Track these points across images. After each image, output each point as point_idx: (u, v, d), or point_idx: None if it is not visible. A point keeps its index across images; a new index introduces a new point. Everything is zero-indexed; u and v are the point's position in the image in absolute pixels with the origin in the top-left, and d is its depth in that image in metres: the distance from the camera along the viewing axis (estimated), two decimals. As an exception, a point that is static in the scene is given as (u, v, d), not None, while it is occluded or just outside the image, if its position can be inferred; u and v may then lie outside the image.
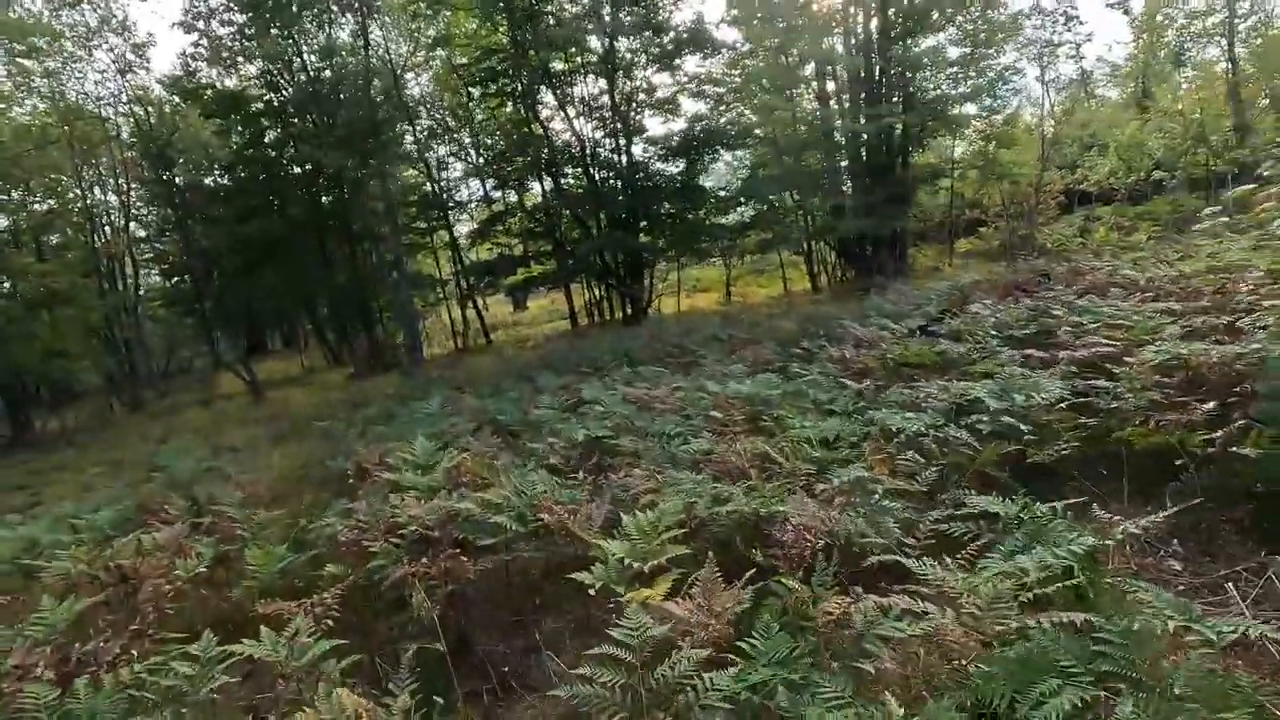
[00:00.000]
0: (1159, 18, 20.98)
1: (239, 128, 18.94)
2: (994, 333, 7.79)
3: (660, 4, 18.86)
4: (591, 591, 4.10)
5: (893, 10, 17.55)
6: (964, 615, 2.13)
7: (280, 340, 37.21)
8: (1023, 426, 4.65)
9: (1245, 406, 4.32)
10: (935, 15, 16.57)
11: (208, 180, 22.22)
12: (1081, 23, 26.58)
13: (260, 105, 18.44)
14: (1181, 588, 3.51)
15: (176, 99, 19.04)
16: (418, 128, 20.72)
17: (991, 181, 17.71)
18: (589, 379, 9.56)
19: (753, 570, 2.83)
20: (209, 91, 18.00)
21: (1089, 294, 9.35)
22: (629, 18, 18.32)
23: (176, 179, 20.62)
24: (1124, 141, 18.65)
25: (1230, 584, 3.23)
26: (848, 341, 9.01)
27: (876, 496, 3.75)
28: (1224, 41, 16.67)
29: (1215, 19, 17.19)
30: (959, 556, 2.92)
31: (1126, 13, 25.76)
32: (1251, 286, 7.57)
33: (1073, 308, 8.33)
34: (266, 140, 18.97)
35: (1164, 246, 13.49)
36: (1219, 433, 4.06)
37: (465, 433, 7.34)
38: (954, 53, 17.10)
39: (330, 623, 3.47)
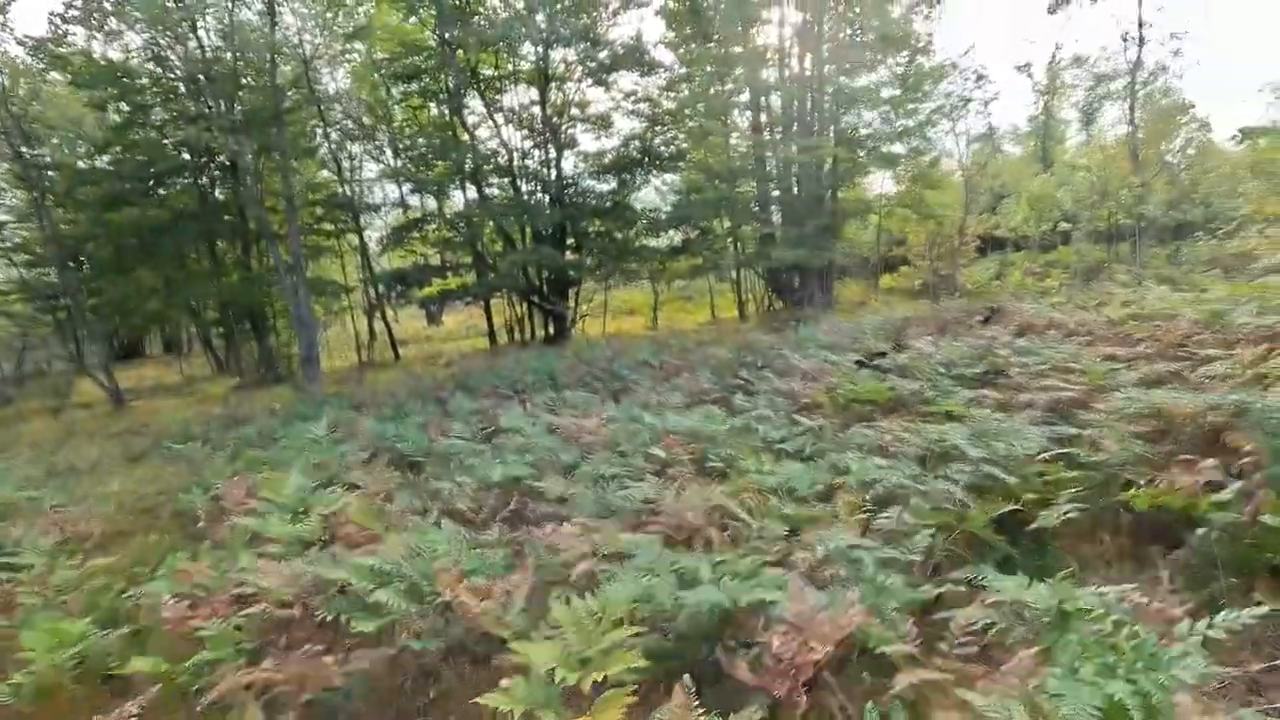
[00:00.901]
0: (1064, 79, 22.53)
1: (118, 103, 16.76)
2: (942, 370, 7.43)
3: (598, 16, 18.31)
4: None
5: (827, 47, 17.76)
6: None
7: (161, 344, 33.68)
8: (1010, 479, 4.11)
9: (1246, 465, 3.94)
10: (868, 54, 16.86)
11: (80, 164, 19.60)
12: (990, 81, 28.26)
13: (145, 80, 16.39)
14: (1217, 684, 2.95)
15: (41, 65, 16.66)
16: (329, 121, 19.11)
17: (918, 220, 18.12)
18: (508, 403, 8.57)
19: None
20: (82, 60, 15.82)
21: (1024, 335, 9.29)
22: (565, 28, 17.64)
23: (38, 156, 18.02)
24: (1035, 193, 19.63)
25: (1295, 692, 2.68)
26: (790, 374, 8.47)
27: (869, 570, 3.03)
28: (1126, 105, 17.97)
29: (1119, 83, 18.54)
30: (1006, 668, 2.21)
31: (1030, 75, 27.55)
32: (1185, 333, 7.61)
33: (1015, 348, 8.15)
34: (151, 120, 16.86)
35: (1077, 292, 13.99)
36: (1225, 493, 3.62)
37: (356, 464, 6.19)
38: (885, 93, 17.48)
39: (116, 760, 2.38)
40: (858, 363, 8.78)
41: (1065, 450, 4.47)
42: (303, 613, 3.11)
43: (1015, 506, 3.73)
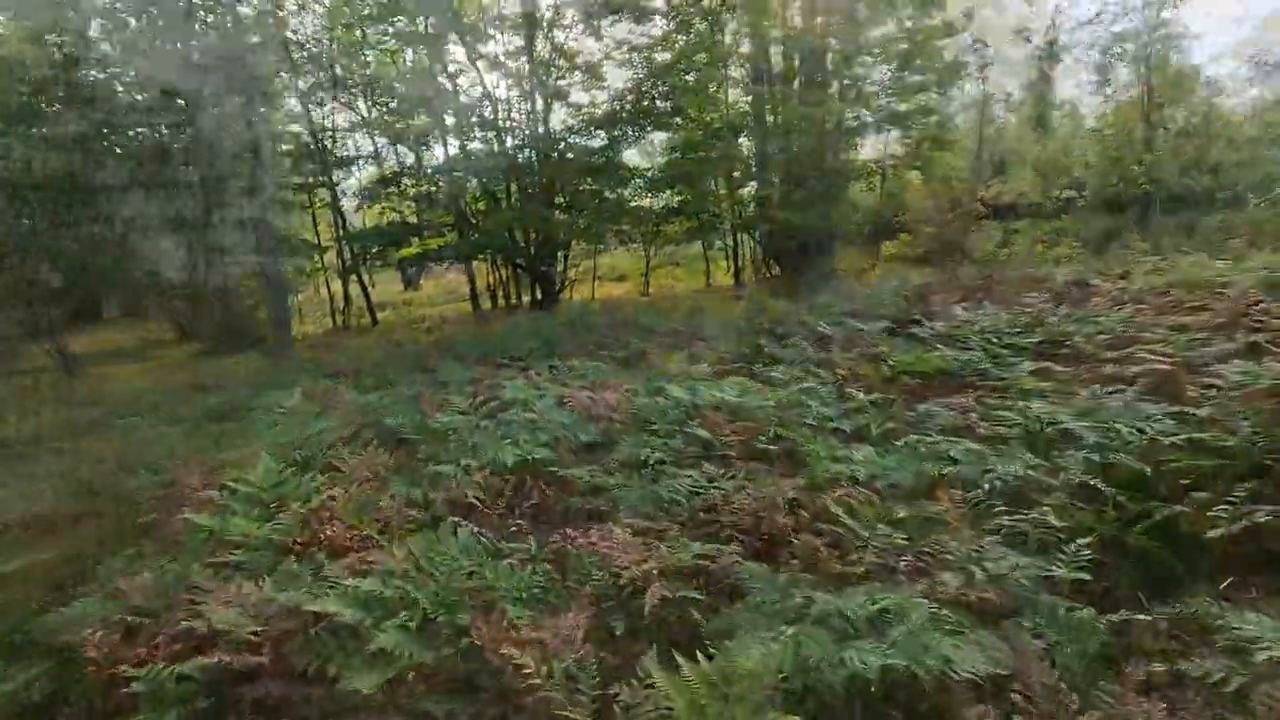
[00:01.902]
0: (1070, 39, 21.77)
1: (59, 36, 15.13)
2: (993, 339, 6.73)
3: (590, -43, 16.91)
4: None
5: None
6: None
7: (119, 306, 31.78)
8: (1145, 469, 3.40)
9: None
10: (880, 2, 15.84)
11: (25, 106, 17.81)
12: (986, 45, 27.37)
13: (87, 11, 14.77)
14: None
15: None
16: (296, 61, 17.57)
17: (925, 183, 17.34)
18: (506, 372, 7.68)
19: None
20: (15, -15, 14.18)
21: (1061, 302, 8.63)
22: (555, -33, 16.29)
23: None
24: (1044, 157, 18.97)
25: None
26: (818, 341, 7.71)
27: (1048, 605, 2.28)
28: (1142, 67, 17.24)
29: (1134, 44, 17.82)
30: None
31: (1029, 40, 26.67)
32: (1252, 302, 7.00)
33: (1064, 316, 7.49)
34: (95, 55, 15.26)
35: (1093, 260, 13.39)
36: None
37: (338, 442, 5.29)
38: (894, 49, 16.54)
39: None
40: (888, 330, 8.08)
41: (1194, 435, 3.76)
42: (274, 658, 2.27)
43: (1182, 508, 3.00)
